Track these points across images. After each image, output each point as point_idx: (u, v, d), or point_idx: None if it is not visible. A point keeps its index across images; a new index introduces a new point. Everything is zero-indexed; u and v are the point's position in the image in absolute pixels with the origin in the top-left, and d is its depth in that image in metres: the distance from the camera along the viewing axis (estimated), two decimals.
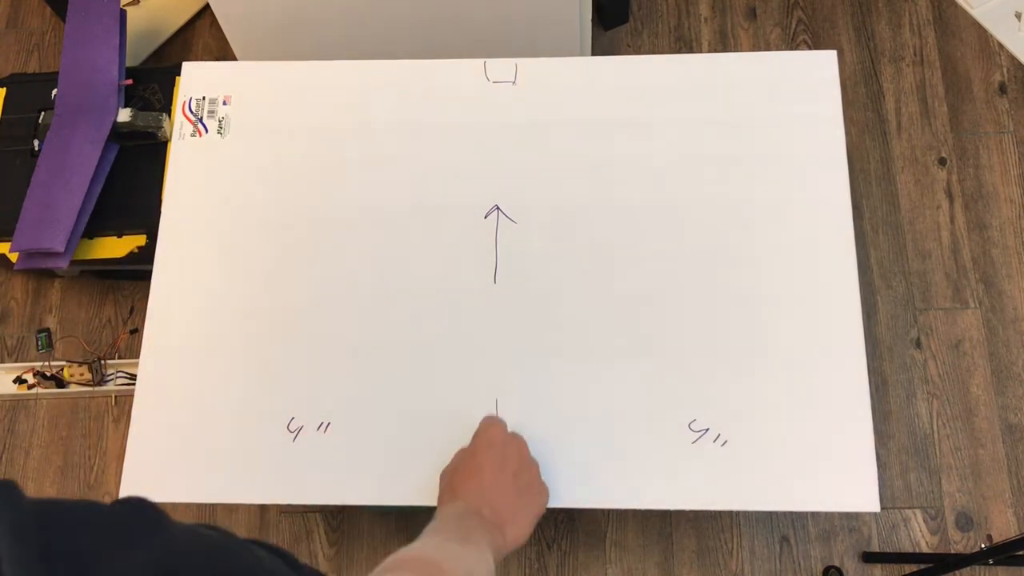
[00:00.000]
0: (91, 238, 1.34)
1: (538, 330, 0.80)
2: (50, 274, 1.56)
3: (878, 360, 1.49)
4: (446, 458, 0.76)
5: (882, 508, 1.42)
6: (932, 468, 1.43)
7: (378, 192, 0.86)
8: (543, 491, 0.71)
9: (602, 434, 0.77)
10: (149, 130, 1.35)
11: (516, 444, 0.71)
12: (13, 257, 1.31)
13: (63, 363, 1.46)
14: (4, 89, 1.44)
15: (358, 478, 0.77)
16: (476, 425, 0.77)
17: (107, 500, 0.41)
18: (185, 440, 0.79)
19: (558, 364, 0.79)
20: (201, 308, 0.83)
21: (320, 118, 0.89)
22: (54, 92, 1.38)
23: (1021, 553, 1.00)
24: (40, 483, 1.44)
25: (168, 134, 1.36)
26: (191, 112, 0.89)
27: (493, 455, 0.69)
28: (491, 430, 0.71)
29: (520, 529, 0.67)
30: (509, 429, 0.73)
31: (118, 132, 1.34)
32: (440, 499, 0.70)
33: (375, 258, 0.83)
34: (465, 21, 1.35)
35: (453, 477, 0.69)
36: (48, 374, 1.45)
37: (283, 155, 0.88)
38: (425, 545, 0.59)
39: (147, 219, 1.33)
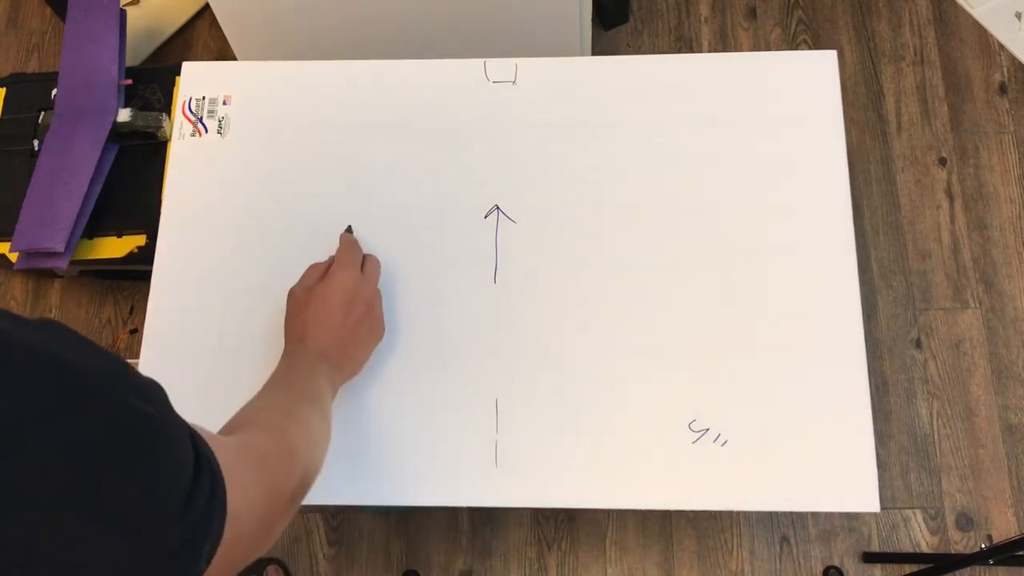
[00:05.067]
0: (91, 238, 1.34)
1: (538, 330, 0.80)
2: (50, 274, 1.56)
3: (878, 360, 1.49)
4: (446, 459, 0.76)
5: (882, 508, 1.42)
6: (932, 468, 1.43)
7: (378, 192, 0.86)
8: (381, 329, 0.77)
9: (602, 434, 0.76)
10: (149, 130, 1.35)
11: (366, 287, 0.75)
12: (13, 257, 1.31)
13: None
14: (4, 89, 1.45)
15: (358, 478, 0.77)
16: (475, 431, 0.77)
17: None
18: None
19: (558, 364, 0.79)
20: (201, 308, 0.83)
21: (320, 118, 0.89)
22: (54, 92, 1.38)
23: (1021, 553, 1.00)
24: None
25: (168, 134, 1.36)
26: (191, 112, 0.89)
27: (345, 299, 0.73)
28: (346, 275, 0.74)
29: (358, 366, 0.75)
30: (367, 251, 0.79)
31: (118, 132, 1.34)
32: (288, 332, 0.74)
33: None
34: (465, 21, 1.35)
35: (305, 314, 0.72)
36: None
37: (283, 155, 0.88)
38: (274, 403, 0.64)
39: (147, 219, 1.33)
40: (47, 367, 0.33)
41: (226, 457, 0.43)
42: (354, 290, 0.74)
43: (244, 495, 0.44)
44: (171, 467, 0.37)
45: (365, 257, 0.79)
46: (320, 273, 0.75)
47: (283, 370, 0.70)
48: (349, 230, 0.83)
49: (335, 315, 0.72)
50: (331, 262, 0.76)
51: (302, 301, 0.74)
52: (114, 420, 0.35)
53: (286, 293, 0.76)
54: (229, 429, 0.59)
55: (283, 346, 0.74)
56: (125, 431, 0.35)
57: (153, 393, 0.39)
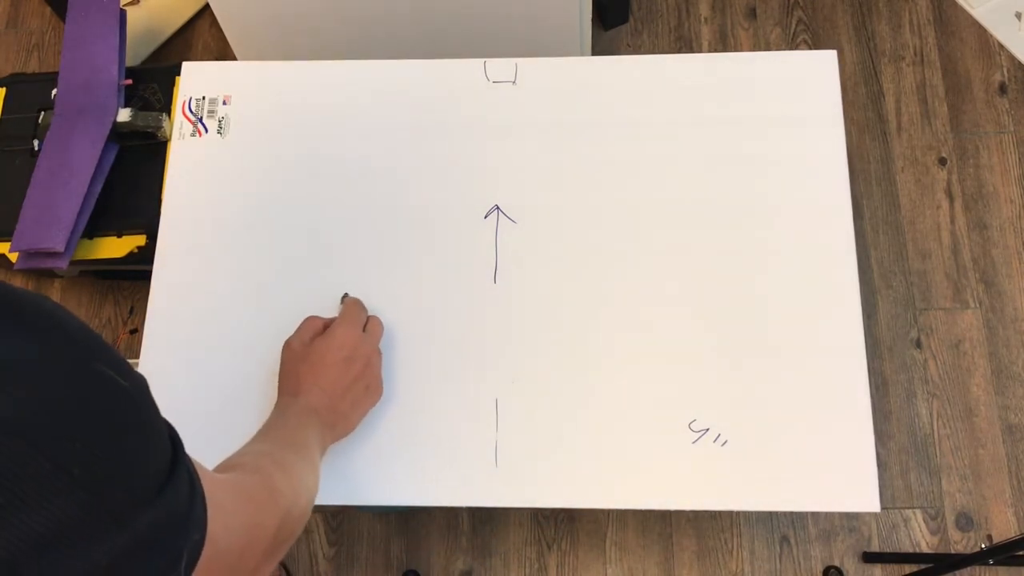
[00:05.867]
0: (91, 238, 1.34)
1: (538, 330, 0.80)
2: (50, 274, 1.56)
3: (878, 360, 1.49)
4: (446, 459, 0.76)
5: (882, 508, 1.42)
6: (932, 468, 1.43)
7: (378, 192, 0.86)
8: (379, 390, 0.76)
9: (602, 434, 0.76)
10: (149, 130, 1.35)
11: (367, 345, 0.74)
12: (13, 257, 1.31)
13: None
14: (4, 89, 1.44)
15: (358, 478, 0.77)
16: (475, 431, 0.77)
17: None
18: (184, 441, 0.79)
19: (558, 364, 0.79)
20: (201, 308, 0.83)
21: (320, 118, 0.89)
22: (54, 92, 1.38)
23: (1021, 553, 1.00)
24: None
25: (168, 134, 1.36)
26: (191, 112, 0.89)
27: (342, 356, 0.71)
28: (347, 332, 0.73)
29: (350, 426, 0.74)
30: (371, 312, 0.78)
31: (118, 132, 1.34)
32: (282, 385, 0.73)
33: (374, 258, 0.83)
34: (465, 21, 1.35)
35: (300, 368, 0.71)
36: None
37: (283, 155, 0.88)
38: (262, 451, 0.63)
39: (147, 219, 1.33)
40: (48, 316, 0.34)
41: (209, 483, 0.41)
42: (353, 347, 0.72)
43: (223, 519, 0.43)
44: (142, 445, 0.35)
45: (369, 318, 0.78)
46: (317, 328, 0.74)
47: (272, 423, 0.68)
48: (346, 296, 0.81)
49: (331, 372, 0.71)
50: (329, 320, 0.75)
51: (299, 355, 0.72)
52: (85, 376, 0.33)
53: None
54: (219, 469, 0.57)
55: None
56: (95, 389, 0.34)
57: (134, 376, 0.37)
